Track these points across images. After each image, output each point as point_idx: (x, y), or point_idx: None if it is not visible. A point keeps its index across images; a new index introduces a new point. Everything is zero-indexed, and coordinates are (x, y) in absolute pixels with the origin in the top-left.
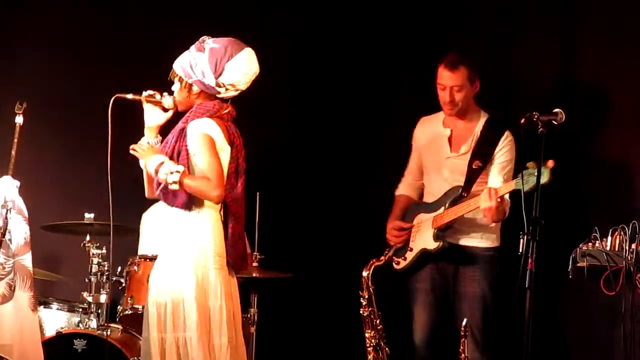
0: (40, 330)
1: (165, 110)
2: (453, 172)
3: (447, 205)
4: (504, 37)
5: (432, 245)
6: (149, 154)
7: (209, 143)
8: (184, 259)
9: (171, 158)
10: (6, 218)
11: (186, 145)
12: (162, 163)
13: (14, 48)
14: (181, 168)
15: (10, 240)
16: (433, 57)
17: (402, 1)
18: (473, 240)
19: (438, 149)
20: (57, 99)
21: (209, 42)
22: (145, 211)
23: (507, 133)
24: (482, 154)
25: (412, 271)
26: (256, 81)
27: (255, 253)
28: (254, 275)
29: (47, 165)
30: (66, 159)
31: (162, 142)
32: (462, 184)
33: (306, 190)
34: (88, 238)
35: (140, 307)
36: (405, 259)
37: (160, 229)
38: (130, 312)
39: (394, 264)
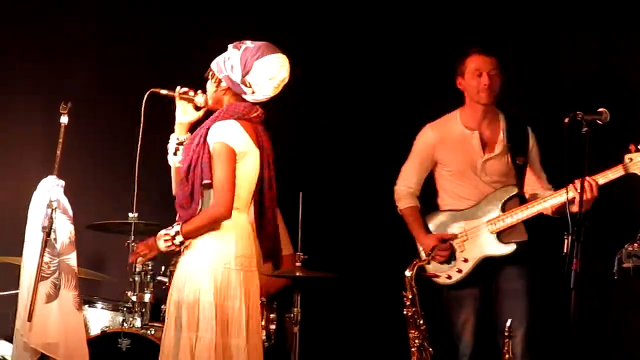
0: (85, 329)
1: (197, 108)
2: (492, 173)
3: (500, 207)
4: (533, 36)
5: (501, 250)
6: (152, 249)
7: (223, 153)
8: (204, 260)
9: (197, 157)
10: (51, 217)
11: (209, 152)
12: (158, 237)
13: (57, 48)
14: (177, 227)
15: (55, 239)
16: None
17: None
18: (514, 237)
19: (469, 152)
20: (103, 98)
21: (247, 43)
22: None
23: (529, 128)
24: (520, 150)
25: (469, 281)
26: (298, 82)
27: (298, 253)
28: (297, 275)
29: (92, 165)
30: (111, 158)
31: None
32: (506, 184)
33: (349, 190)
34: (132, 237)
35: None
36: (460, 271)
37: None
38: None
39: (439, 280)
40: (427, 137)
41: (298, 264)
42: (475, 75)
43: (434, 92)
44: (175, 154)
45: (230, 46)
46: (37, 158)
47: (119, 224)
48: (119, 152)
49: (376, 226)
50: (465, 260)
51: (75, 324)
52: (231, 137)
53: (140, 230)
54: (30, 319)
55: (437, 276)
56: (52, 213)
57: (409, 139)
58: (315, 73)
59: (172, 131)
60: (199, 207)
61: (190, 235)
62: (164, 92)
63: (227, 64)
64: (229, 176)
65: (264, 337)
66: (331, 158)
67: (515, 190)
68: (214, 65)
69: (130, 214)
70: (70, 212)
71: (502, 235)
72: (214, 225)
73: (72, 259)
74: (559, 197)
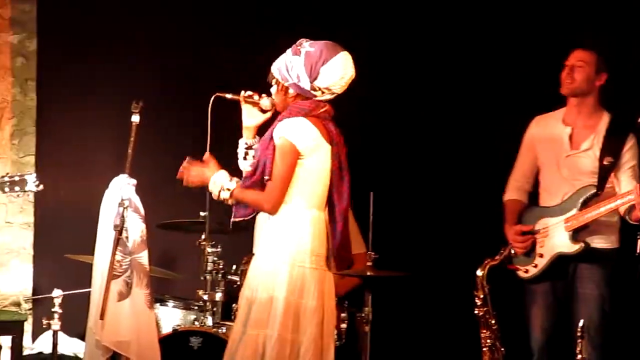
0: (156, 328)
1: (263, 111)
2: (572, 170)
3: (579, 206)
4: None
5: (570, 248)
6: (205, 173)
7: (283, 150)
8: (280, 257)
9: (263, 154)
10: (123, 216)
11: (274, 148)
12: (212, 182)
13: (129, 47)
14: (233, 185)
15: (127, 238)
16: (553, 56)
17: None
18: (599, 240)
19: (557, 146)
20: (175, 97)
21: (305, 46)
22: None
23: (631, 135)
24: (612, 150)
25: (543, 277)
26: (369, 80)
27: (369, 252)
28: (368, 274)
29: (163, 164)
30: (181, 156)
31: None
32: (585, 182)
33: (420, 189)
34: (203, 236)
35: None
36: (535, 266)
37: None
38: None
39: (520, 272)
40: (530, 130)
41: (369, 263)
42: (565, 68)
43: (512, 90)
44: (245, 158)
45: (289, 51)
46: (109, 157)
47: (190, 222)
48: (190, 150)
49: (447, 225)
50: (541, 256)
51: (147, 322)
52: (296, 134)
53: (212, 228)
54: (102, 317)
55: (518, 269)
56: (124, 212)
57: (479, 138)
58: (386, 71)
59: (241, 130)
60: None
61: (237, 200)
62: (229, 96)
63: (292, 72)
64: (283, 174)
65: (335, 336)
66: (402, 157)
67: (593, 190)
68: (275, 72)
69: (201, 213)
70: (142, 211)
71: (577, 234)
72: (254, 208)
73: (143, 257)
74: (625, 199)
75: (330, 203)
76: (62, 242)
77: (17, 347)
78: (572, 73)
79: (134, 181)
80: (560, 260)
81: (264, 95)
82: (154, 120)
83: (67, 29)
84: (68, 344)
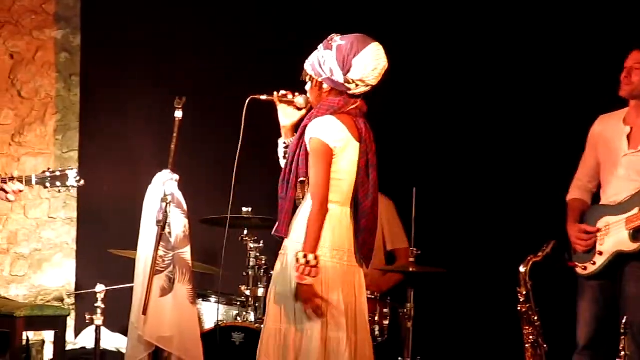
0: (199, 323)
1: (298, 109)
2: (629, 169)
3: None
4: None
5: (630, 246)
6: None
7: (317, 150)
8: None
9: (293, 155)
10: (166, 212)
11: (305, 148)
12: (299, 279)
13: (172, 43)
14: (299, 257)
15: (169, 233)
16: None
17: None
18: None
19: (616, 146)
20: (215, 94)
21: (337, 40)
22: None
23: None
24: None
25: (600, 275)
26: (413, 75)
27: (411, 248)
28: (411, 270)
29: (206, 159)
30: (224, 152)
31: None
32: None
33: (462, 185)
34: (246, 232)
35: None
36: (594, 264)
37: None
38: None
39: (578, 269)
40: (593, 128)
41: (411, 259)
42: (624, 70)
43: (559, 89)
44: (284, 157)
45: (320, 46)
46: (152, 152)
47: (232, 218)
48: (233, 146)
49: (490, 221)
50: (600, 254)
51: (190, 317)
52: (327, 133)
53: (254, 224)
54: (145, 312)
55: (577, 266)
56: (166, 207)
57: (521, 134)
58: (433, 65)
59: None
60: (293, 204)
61: (314, 246)
62: (263, 97)
63: (324, 67)
64: (323, 173)
65: (377, 332)
66: (445, 153)
67: None
68: (309, 68)
69: (244, 208)
70: (185, 206)
71: (637, 234)
72: (323, 221)
73: (186, 252)
74: None
75: (355, 200)
76: (105, 238)
77: (60, 342)
78: (630, 75)
79: (177, 176)
80: (619, 259)
81: (297, 93)
82: (197, 116)
83: (111, 24)
84: (110, 339)
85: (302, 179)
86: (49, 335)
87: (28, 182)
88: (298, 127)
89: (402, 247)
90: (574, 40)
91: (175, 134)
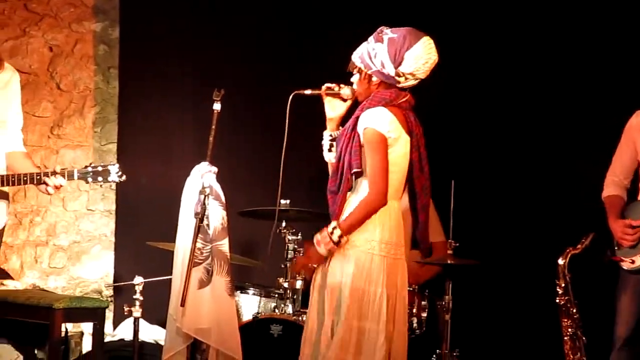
0: (237, 315)
1: (344, 100)
2: None
3: None
4: None
5: None
6: (314, 258)
7: (374, 140)
8: (348, 244)
9: (345, 146)
10: (204, 204)
11: (359, 140)
12: (317, 243)
13: (211, 35)
14: (333, 224)
15: (208, 225)
16: None
17: None
18: None
19: None
20: (254, 86)
21: (388, 32)
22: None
23: None
24: None
25: None
26: (451, 68)
27: (450, 241)
28: (449, 262)
29: (244, 152)
30: (262, 144)
31: None
32: None
33: (501, 177)
34: (284, 224)
35: None
36: None
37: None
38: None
39: (624, 263)
40: (630, 123)
41: (449, 251)
42: None
43: (594, 84)
44: (330, 150)
45: (371, 38)
46: (190, 144)
47: (271, 210)
48: (271, 139)
49: (528, 213)
50: None
51: (228, 309)
52: (380, 123)
53: (292, 216)
54: (183, 304)
55: (624, 260)
56: (205, 199)
57: (558, 128)
58: (471, 58)
59: (324, 122)
60: (348, 196)
61: (351, 229)
62: (308, 92)
63: (375, 60)
64: (382, 163)
65: (415, 325)
66: (483, 145)
67: None
68: (357, 60)
69: (282, 200)
70: (223, 199)
71: None
72: (372, 213)
73: (224, 245)
74: None
75: (412, 195)
76: (143, 230)
77: (98, 333)
78: None
79: (215, 169)
80: None
81: (342, 85)
82: (235, 108)
83: (149, 17)
84: (149, 331)
85: (356, 170)
86: (87, 327)
87: (70, 176)
88: (344, 120)
89: (440, 240)
90: (613, 33)
91: (213, 126)
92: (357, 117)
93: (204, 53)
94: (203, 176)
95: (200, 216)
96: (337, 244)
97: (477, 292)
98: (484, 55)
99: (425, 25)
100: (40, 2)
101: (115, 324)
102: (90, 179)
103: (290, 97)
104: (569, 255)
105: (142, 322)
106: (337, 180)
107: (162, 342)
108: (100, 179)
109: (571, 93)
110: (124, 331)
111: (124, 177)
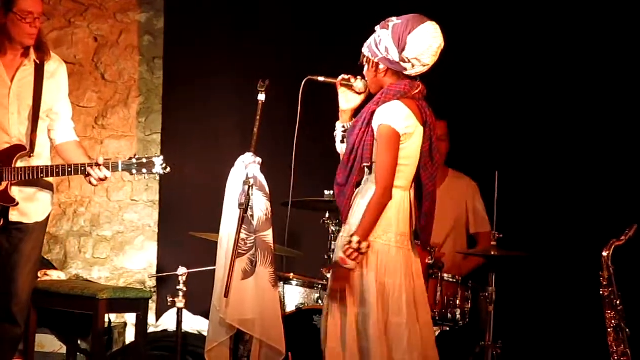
0: (280, 306)
1: (358, 93)
2: None
3: None
4: None
5: None
6: (344, 276)
7: (387, 136)
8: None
9: (359, 140)
10: (248, 194)
11: (372, 134)
12: (342, 261)
13: (255, 26)
14: (354, 240)
15: (252, 216)
16: None
17: None
18: None
19: None
20: (298, 77)
21: (393, 20)
22: None
23: None
24: None
25: None
26: (494, 60)
27: (494, 232)
28: (492, 254)
29: (288, 142)
30: (307, 135)
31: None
32: None
33: (545, 168)
34: (327, 215)
35: None
36: None
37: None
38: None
39: None
40: None
41: (493, 243)
42: None
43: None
44: (342, 141)
45: (377, 28)
46: (234, 135)
47: (314, 201)
48: (318, 129)
49: (573, 205)
50: None
51: (271, 300)
52: (396, 119)
53: (336, 207)
54: (227, 295)
55: None
56: (249, 190)
57: (603, 117)
58: (518, 51)
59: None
60: (355, 189)
61: (367, 234)
62: (321, 79)
63: (380, 46)
64: (392, 160)
65: (458, 316)
66: (527, 136)
67: None
68: (366, 50)
69: (326, 191)
70: (267, 189)
71: None
72: (382, 211)
73: (268, 235)
74: None
75: (418, 184)
76: (187, 220)
77: (141, 324)
78: None
79: (260, 159)
80: None
81: (358, 77)
82: (279, 98)
83: (194, 7)
84: (192, 322)
85: (366, 164)
86: (131, 318)
87: (114, 168)
88: (356, 112)
89: (485, 231)
90: None
91: (258, 117)
92: (373, 112)
93: (249, 43)
94: (247, 167)
95: (244, 207)
96: (360, 250)
97: (520, 283)
98: (527, 46)
99: (475, 14)
100: None
101: (159, 315)
102: (134, 171)
103: (303, 82)
104: (613, 247)
105: (185, 313)
106: (346, 172)
107: (205, 333)
108: (144, 170)
109: (616, 84)
110: (167, 322)
111: (168, 169)
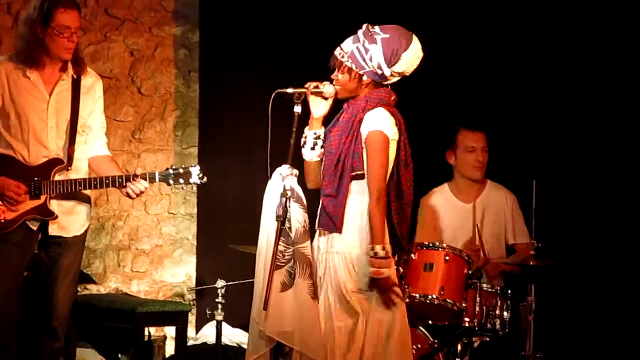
0: (319, 318)
1: (325, 98)
2: None
3: None
4: None
5: None
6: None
7: (379, 142)
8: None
9: (346, 148)
10: (285, 207)
11: (361, 142)
12: (374, 274)
13: (290, 39)
14: (373, 252)
15: (289, 228)
16: None
17: None
18: None
19: None
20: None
21: (379, 32)
22: (423, 198)
23: None
24: None
25: None
26: (534, 69)
27: (532, 241)
28: (531, 263)
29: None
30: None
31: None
32: None
33: (583, 176)
34: None
35: (417, 294)
36: None
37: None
38: (406, 300)
39: None
40: None
41: (532, 252)
42: None
43: None
44: (313, 148)
45: (361, 37)
46: (271, 147)
47: None
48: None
49: (612, 213)
50: None
51: (310, 312)
52: (386, 125)
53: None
54: (265, 307)
55: None
56: (286, 202)
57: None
58: (549, 59)
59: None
60: (347, 198)
61: (383, 239)
62: (290, 90)
63: (371, 61)
64: (385, 165)
65: (498, 326)
66: (565, 144)
67: None
68: (347, 60)
69: None
70: (304, 201)
71: None
72: (384, 214)
73: (306, 247)
74: None
75: (398, 192)
76: (224, 233)
77: (181, 337)
78: None
79: (297, 171)
80: None
81: (325, 83)
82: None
83: (229, 20)
84: (231, 334)
85: (358, 172)
86: (170, 331)
87: (151, 178)
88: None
89: (524, 242)
90: None
91: (294, 129)
92: (361, 120)
93: (284, 55)
94: (284, 179)
95: (282, 219)
96: (386, 255)
97: (560, 292)
98: (566, 55)
99: (493, 27)
100: (121, 7)
101: (198, 328)
102: (171, 181)
103: (273, 95)
104: None
105: (224, 325)
106: (334, 183)
107: (244, 346)
108: (181, 180)
109: None
110: (207, 335)
111: (205, 179)
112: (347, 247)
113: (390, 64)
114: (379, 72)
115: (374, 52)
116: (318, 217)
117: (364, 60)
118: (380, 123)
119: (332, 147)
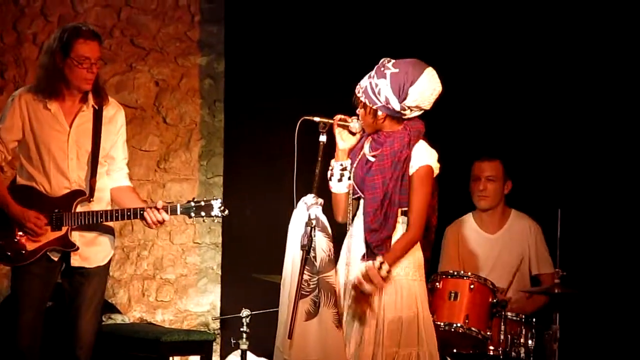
0: (344, 347)
1: (353, 133)
2: None
3: None
4: None
5: None
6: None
7: (428, 177)
8: (418, 272)
9: (394, 183)
10: (310, 236)
11: (408, 178)
12: (360, 283)
13: (316, 68)
14: (378, 262)
15: (314, 257)
16: None
17: None
18: None
19: None
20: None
21: (389, 67)
22: (448, 227)
23: None
24: None
25: None
26: (555, 98)
27: (557, 270)
28: (556, 292)
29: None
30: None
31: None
32: None
33: (609, 205)
34: None
35: (442, 323)
36: None
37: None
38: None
39: None
40: None
41: (557, 280)
42: None
43: None
44: (340, 180)
45: (374, 73)
46: (296, 176)
47: None
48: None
49: (637, 243)
50: None
51: (335, 341)
52: (433, 159)
53: None
54: (290, 336)
55: None
56: (311, 231)
57: None
58: (571, 87)
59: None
60: (392, 232)
61: (393, 263)
62: (317, 119)
63: (379, 96)
64: (429, 199)
65: (523, 355)
66: (589, 173)
67: None
68: (361, 95)
69: None
70: (329, 230)
71: None
72: (412, 248)
73: (331, 276)
74: None
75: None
76: (249, 262)
77: None
78: None
79: (322, 200)
80: None
81: (354, 118)
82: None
83: (255, 50)
84: None
85: (405, 208)
86: None
87: (173, 211)
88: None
89: (548, 272)
90: None
91: (319, 158)
92: (408, 156)
93: (309, 85)
94: (309, 208)
95: (307, 248)
96: (384, 277)
97: (585, 321)
98: (588, 81)
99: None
100: (147, 38)
101: (223, 357)
102: (193, 214)
103: (299, 122)
104: None
105: (249, 354)
106: (380, 217)
107: None
108: (203, 213)
109: None
110: None
111: (226, 212)
112: (404, 283)
113: (400, 98)
114: (390, 106)
115: (382, 87)
116: (352, 251)
117: (375, 95)
118: (428, 158)
119: (376, 182)
